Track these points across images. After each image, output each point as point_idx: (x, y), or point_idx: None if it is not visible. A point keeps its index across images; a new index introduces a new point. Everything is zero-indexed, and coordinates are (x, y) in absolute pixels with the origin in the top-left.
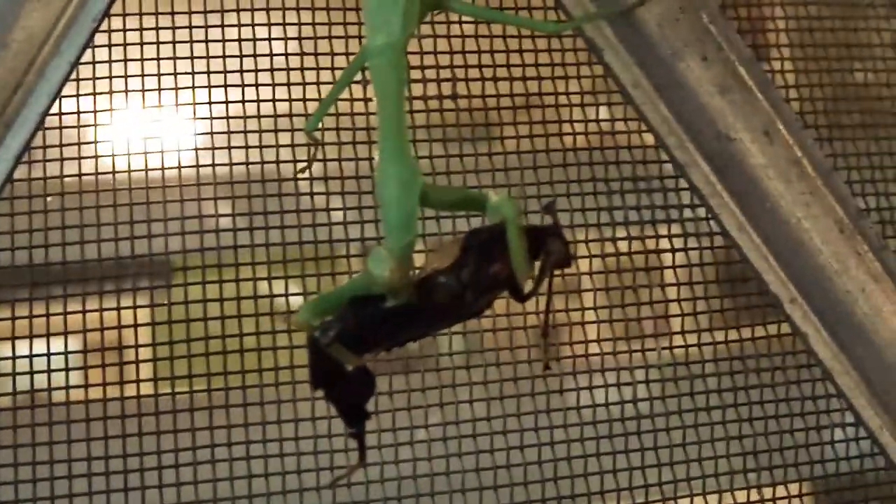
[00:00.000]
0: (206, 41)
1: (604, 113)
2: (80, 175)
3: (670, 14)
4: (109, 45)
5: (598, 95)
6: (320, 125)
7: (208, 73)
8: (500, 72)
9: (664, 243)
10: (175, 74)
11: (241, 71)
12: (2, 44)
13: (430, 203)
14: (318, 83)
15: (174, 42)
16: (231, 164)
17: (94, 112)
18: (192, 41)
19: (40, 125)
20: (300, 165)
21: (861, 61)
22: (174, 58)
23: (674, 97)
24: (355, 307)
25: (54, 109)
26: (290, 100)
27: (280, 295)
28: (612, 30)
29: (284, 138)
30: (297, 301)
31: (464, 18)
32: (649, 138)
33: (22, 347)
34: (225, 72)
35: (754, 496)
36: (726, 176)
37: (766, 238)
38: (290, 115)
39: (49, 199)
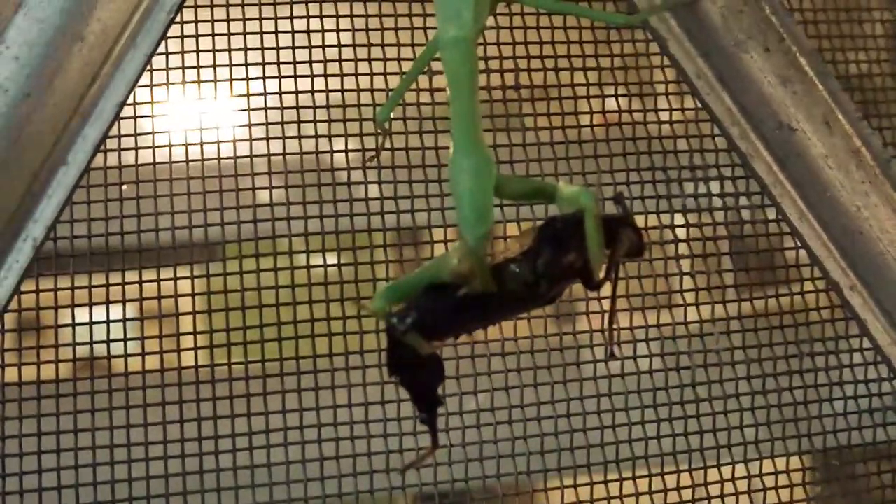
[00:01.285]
0: (276, 32)
1: (674, 103)
2: (154, 164)
3: (734, 5)
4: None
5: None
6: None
7: (278, 63)
8: (561, 62)
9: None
10: (246, 65)
11: (310, 62)
12: (78, 36)
13: (504, 193)
14: (370, 74)
15: (244, 33)
16: (301, 153)
17: (150, 103)
18: (261, 32)
19: (117, 115)
20: (368, 154)
21: None
22: (244, 48)
23: (736, 88)
24: (430, 295)
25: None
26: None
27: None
28: (676, 21)
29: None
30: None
31: (527, 10)
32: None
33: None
34: (294, 63)
35: (767, 467)
36: (787, 166)
37: (826, 226)
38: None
39: (124, 186)
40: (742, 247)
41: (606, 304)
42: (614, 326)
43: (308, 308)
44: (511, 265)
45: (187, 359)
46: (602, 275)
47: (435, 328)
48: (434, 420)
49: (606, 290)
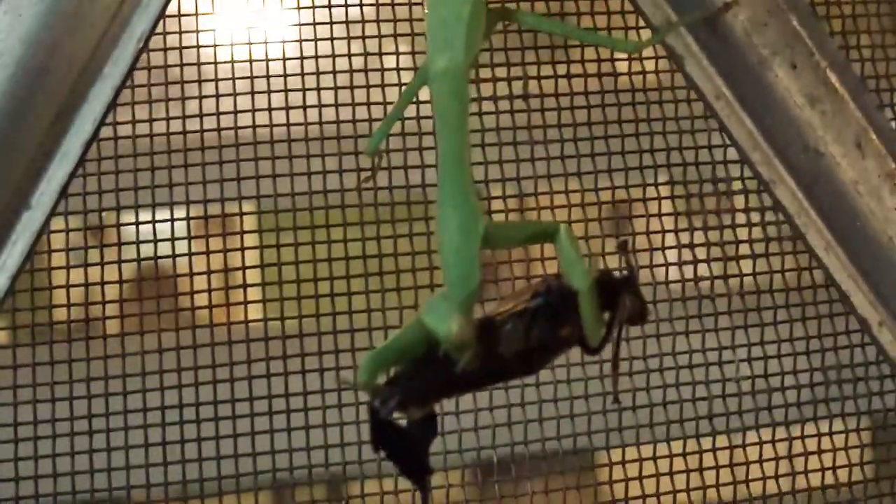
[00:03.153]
0: None
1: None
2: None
3: (758, 18)
4: None
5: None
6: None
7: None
8: (574, 67)
9: None
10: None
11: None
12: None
13: (495, 244)
14: None
15: None
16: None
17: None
18: None
19: (84, 155)
20: (363, 175)
21: None
22: None
23: (759, 109)
24: (414, 370)
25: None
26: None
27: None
28: (693, 37)
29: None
30: None
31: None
32: None
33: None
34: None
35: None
36: (814, 193)
37: (855, 258)
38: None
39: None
40: None
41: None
42: (618, 387)
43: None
44: (504, 327)
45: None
46: (601, 340)
47: (420, 401)
48: (427, 487)
49: None
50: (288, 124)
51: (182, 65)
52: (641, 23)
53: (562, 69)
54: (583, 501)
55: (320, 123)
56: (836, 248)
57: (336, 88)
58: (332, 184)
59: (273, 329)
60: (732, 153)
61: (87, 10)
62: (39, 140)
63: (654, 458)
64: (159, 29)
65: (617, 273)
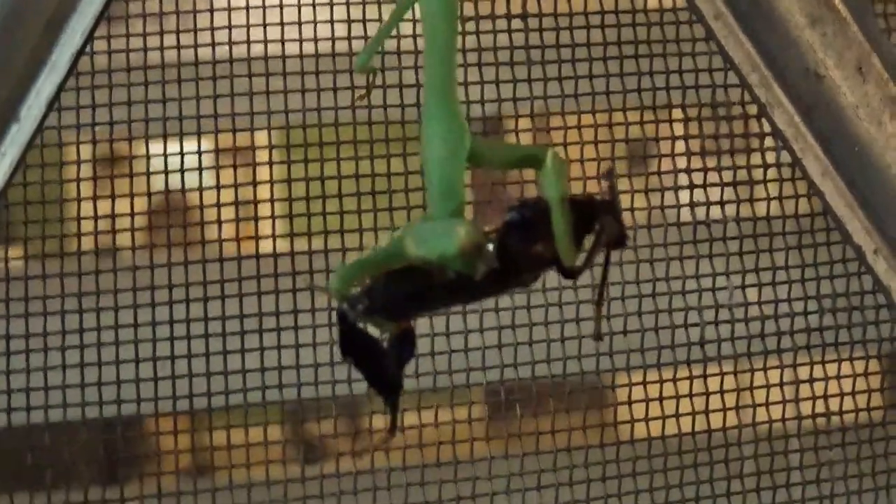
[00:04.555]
0: None
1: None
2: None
3: None
4: None
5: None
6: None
7: None
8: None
9: None
10: None
11: None
12: None
13: (482, 162)
14: None
15: None
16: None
17: None
18: None
19: (73, 66)
20: (358, 93)
21: None
22: None
23: (759, 30)
24: (386, 280)
25: None
26: None
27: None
28: None
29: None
30: None
31: None
32: None
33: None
34: None
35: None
36: (813, 117)
37: (852, 184)
38: None
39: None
40: None
41: None
42: (602, 313)
43: None
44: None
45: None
46: (579, 264)
47: (390, 313)
48: (396, 404)
49: None
50: (282, 40)
51: None
52: None
53: (563, 21)
54: (589, 429)
55: (315, 41)
56: (832, 174)
57: (332, 4)
58: (327, 102)
59: (273, 247)
60: (733, 77)
61: None
62: (28, 52)
63: (644, 384)
64: None
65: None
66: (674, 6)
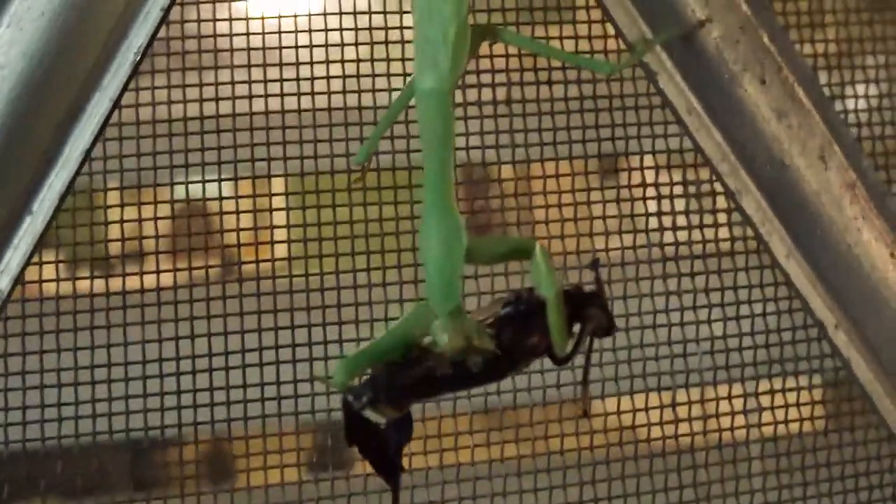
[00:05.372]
0: None
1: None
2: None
3: (731, 35)
4: None
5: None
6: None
7: None
8: (555, 74)
9: None
10: None
11: None
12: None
13: (477, 259)
14: None
15: None
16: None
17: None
18: None
19: (83, 163)
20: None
21: None
22: None
23: (729, 123)
24: (387, 371)
25: None
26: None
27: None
28: (667, 54)
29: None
30: None
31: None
32: None
33: None
34: None
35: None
36: (778, 203)
37: (815, 264)
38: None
39: None
40: None
41: None
42: (587, 395)
43: None
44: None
45: None
46: (569, 351)
47: (392, 401)
48: (397, 485)
49: None
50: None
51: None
52: (617, 44)
53: (543, 76)
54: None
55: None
56: (796, 255)
57: (344, 77)
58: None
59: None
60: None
61: (87, 26)
62: (42, 150)
63: (617, 413)
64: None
65: (586, 287)
66: (647, 91)
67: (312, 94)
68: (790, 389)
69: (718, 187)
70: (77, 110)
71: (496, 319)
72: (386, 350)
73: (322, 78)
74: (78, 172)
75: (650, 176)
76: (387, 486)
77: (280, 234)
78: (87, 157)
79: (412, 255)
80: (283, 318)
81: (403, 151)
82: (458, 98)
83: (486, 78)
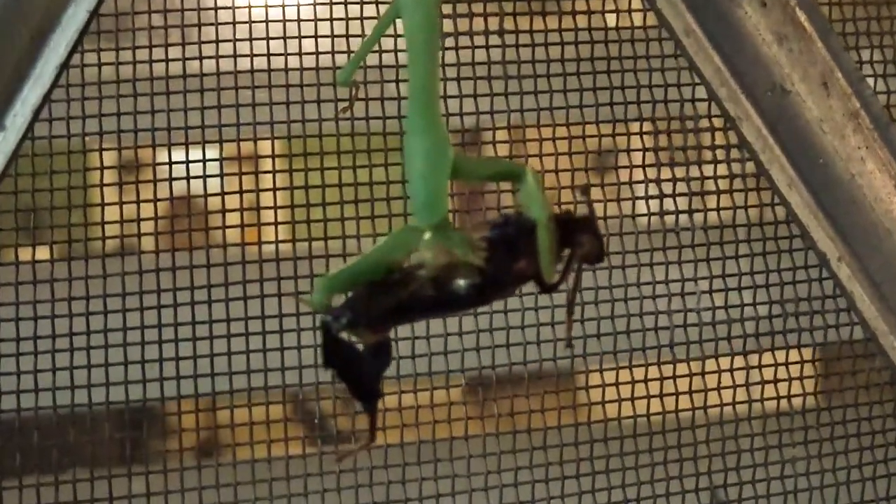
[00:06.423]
0: None
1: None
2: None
3: None
4: None
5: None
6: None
7: None
8: (549, 5)
9: None
10: None
11: None
12: None
13: (462, 176)
14: None
15: None
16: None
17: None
18: None
19: (58, 78)
20: (341, 105)
21: None
22: None
23: (728, 46)
24: (368, 293)
25: None
26: None
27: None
28: None
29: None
30: None
31: None
32: None
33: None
34: None
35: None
36: (779, 131)
37: (817, 194)
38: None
39: None
40: None
41: None
42: (571, 322)
43: None
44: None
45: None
46: (557, 278)
47: (372, 324)
48: (374, 411)
49: None
50: (269, 54)
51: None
52: None
53: (537, 6)
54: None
55: (300, 54)
56: (798, 185)
57: (315, 20)
58: (311, 114)
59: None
60: (701, 91)
61: None
62: (14, 63)
63: (616, 384)
64: None
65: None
66: (644, 24)
67: (300, 54)
68: (793, 362)
69: (720, 154)
70: (52, 23)
71: (483, 242)
72: (367, 271)
73: (309, 37)
74: (53, 86)
75: (649, 141)
76: (364, 411)
77: (266, 199)
78: (61, 72)
79: (404, 221)
80: (270, 286)
81: (395, 117)
82: (451, 59)
83: (479, 40)
